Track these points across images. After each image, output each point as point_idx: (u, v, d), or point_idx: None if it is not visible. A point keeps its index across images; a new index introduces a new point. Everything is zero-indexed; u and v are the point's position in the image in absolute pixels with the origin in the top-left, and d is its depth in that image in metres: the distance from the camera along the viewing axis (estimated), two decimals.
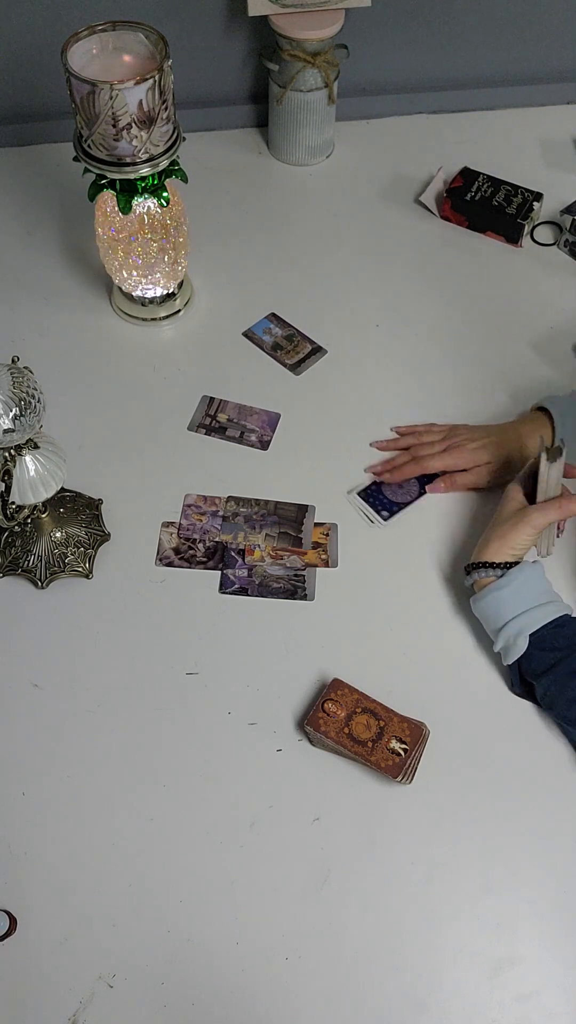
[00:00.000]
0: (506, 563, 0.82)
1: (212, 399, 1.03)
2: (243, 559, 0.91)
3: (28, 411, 0.71)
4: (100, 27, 0.87)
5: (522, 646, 0.78)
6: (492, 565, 0.82)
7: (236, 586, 0.90)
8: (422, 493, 0.95)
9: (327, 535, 0.93)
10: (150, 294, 1.07)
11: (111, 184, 0.93)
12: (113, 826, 0.77)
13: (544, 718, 0.82)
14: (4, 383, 0.69)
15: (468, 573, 0.84)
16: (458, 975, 0.71)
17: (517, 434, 0.94)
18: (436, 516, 0.94)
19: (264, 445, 1.00)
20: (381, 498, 0.94)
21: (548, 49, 1.33)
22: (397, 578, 0.90)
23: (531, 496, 0.84)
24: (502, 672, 0.84)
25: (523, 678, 0.81)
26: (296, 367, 1.07)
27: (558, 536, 0.89)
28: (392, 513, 0.93)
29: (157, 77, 0.83)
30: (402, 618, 0.88)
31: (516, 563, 0.82)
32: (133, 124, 0.85)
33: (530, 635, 0.78)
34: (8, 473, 0.76)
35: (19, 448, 0.75)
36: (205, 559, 0.91)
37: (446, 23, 1.28)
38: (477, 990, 0.70)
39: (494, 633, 0.81)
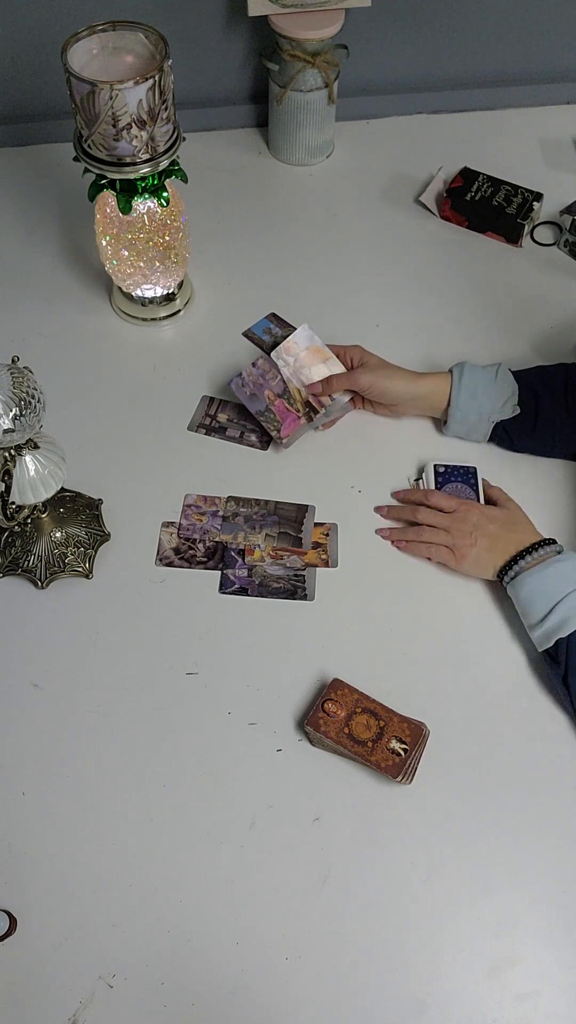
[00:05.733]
0: (543, 541, 0.85)
1: (212, 399, 1.03)
2: (243, 559, 0.91)
3: (28, 411, 0.71)
4: (100, 27, 0.87)
5: None
6: (545, 542, 0.85)
7: (236, 586, 0.90)
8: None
9: (327, 535, 0.93)
10: (150, 294, 1.07)
11: (111, 184, 0.93)
12: (113, 826, 0.77)
13: (544, 718, 0.82)
14: (4, 383, 0.69)
15: (525, 556, 0.84)
16: (458, 975, 0.71)
17: (421, 398, 0.95)
18: None
19: (264, 445, 1.00)
20: None
21: (548, 49, 1.33)
22: (397, 578, 0.90)
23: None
24: (502, 672, 0.84)
25: (568, 655, 0.79)
26: None
27: None
28: None
29: (157, 77, 0.83)
30: (402, 618, 0.88)
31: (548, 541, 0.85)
32: (133, 124, 0.85)
33: None
34: (8, 473, 0.76)
35: (19, 448, 0.75)
36: (205, 559, 0.91)
37: (446, 23, 1.28)
38: (477, 990, 0.70)
39: (550, 606, 0.80)
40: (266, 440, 1.00)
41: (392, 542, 0.92)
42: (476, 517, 0.88)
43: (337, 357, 0.97)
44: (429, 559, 0.90)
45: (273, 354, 0.97)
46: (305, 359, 0.97)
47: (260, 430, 1.01)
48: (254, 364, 0.97)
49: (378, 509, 0.94)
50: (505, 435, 0.96)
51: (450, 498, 0.91)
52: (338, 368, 0.97)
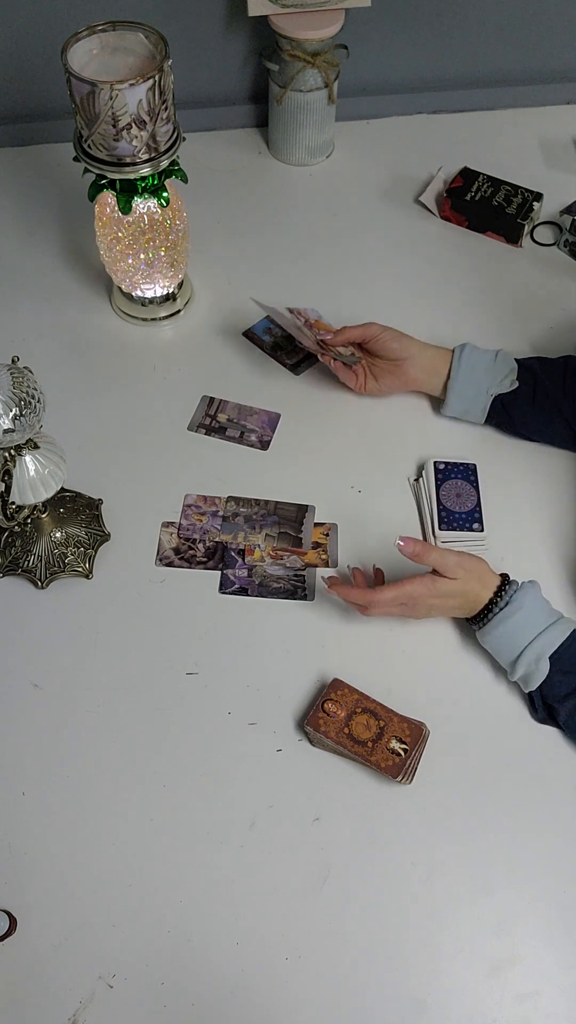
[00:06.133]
0: (500, 586, 0.80)
1: (212, 399, 1.03)
2: (243, 559, 0.91)
3: (28, 411, 0.71)
4: (100, 27, 0.87)
5: (544, 670, 0.78)
6: (495, 598, 0.79)
7: (236, 586, 0.90)
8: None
9: (327, 535, 0.93)
10: (150, 294, 1.07)
11: (111, 184, 0.93)
12: (113, 826, 0.77)
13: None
14: (4, 383, 0.69)
15: (479, 622, 0.81)
16: (458, 975, 0.71)
17: (426, 359, 0.97)
18: None
19: (264, 445, 1.00)
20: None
21: (548, 49, 1.33)
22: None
23: None
24: (502, 672, 0.84)
25: (544, 702, 0.80)
26: (296, 367, 1.07)
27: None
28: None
29: (157, 77, 0.83)
30: (402, 618, 0.87)
31: (508, 582, 0.80)
32: (133, 124, 0.85)
33: (550, 657, 0.78)
34: (8, 473, 0.76)
35: (19, 448, 0.75)
36: (205, 559, 0.91)
37: (446, 23, 1.28)
38: (477, 990, 0.70)
39: (511, 663, 0.80)
40: (266, 440, 1.00)
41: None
42: (427, 604, 0.80)
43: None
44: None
45: (288, 309, 0.98)
46: (315, 324, 1.00)
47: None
48: (290, 310, 0.98)
49: (326, 580, 0.86)
50: (504, 413, 0.96)
51: (396, 594, 0.79)
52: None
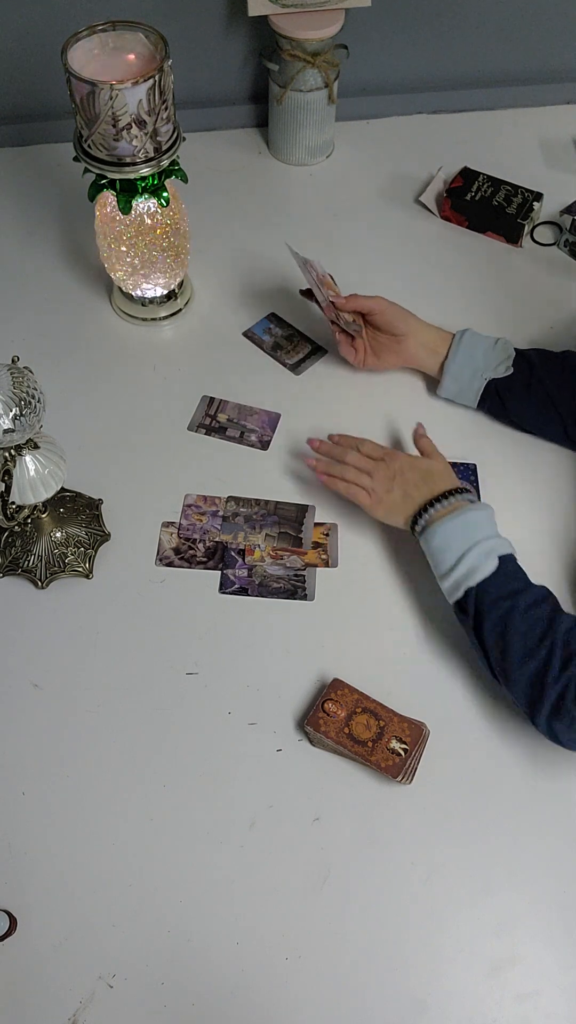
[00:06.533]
0: (457, 488, 0.85)
1: (212, 399, 1.03)
2: (243, 559, 0.91)
3: (28, 411, 0.71)
4: (100, 27, 0.87)
5: (492, 566, 0.78)
6: (458, 490, 0.85)
7: (236, 586, 0.90)
8: None
9: (327, 535, 0.93)
10: (150, 294, 1.07)
11: (111, 184, 0.93)
12: (113, 826, 0.77)
13: None
14: (4, 383, 0.69)
15: (438, 503, 0.84)
16: (458, 975, 0.71)
17: (427, 337, 0.99)
18: None
19: (264, 445, 1.00)
20: None
21: (548, 49, 1.33)
22: (397, 578, 0.90)
23: None
24: None
25: (476, 606, 0.79)
26: (296, 367, 1.07)
27: None
28: None
29: (157, 77, 0.83)
30: (402, 618, 0.88)
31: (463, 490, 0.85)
32: (133, 124, 0.85)
33: (500, 557, 0.79)
34: (8, 473, 0.76)
35: (19, 448, 0.75)
36: (205, 559, 0.91)
37: (446, 23, 1.28)
38: (477, 990, 0.70)
39: (460, 554, 0.80)
40: (266, 440, 1.00)
41: (317, 473, 0.91)
42: (400, 464, 0.88)
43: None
44: (347, 499, 0.90)
45: (304, 260, 0.98)
46: (324, 281, 1.00)
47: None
48: (306, 261, 0.99)
49: (311, 441, 0.94)
50: (497, 398, 0.97)
51: (381, 447, 0.91)
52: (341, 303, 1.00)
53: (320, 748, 0.80)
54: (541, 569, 0.90)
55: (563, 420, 0.96)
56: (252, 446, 1.00)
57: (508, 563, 0.80)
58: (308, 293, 1.02)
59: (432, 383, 1.03)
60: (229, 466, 0.98)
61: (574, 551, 0.91)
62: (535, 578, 0.84)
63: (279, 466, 0.98)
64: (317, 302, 1.01)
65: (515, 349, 0.97)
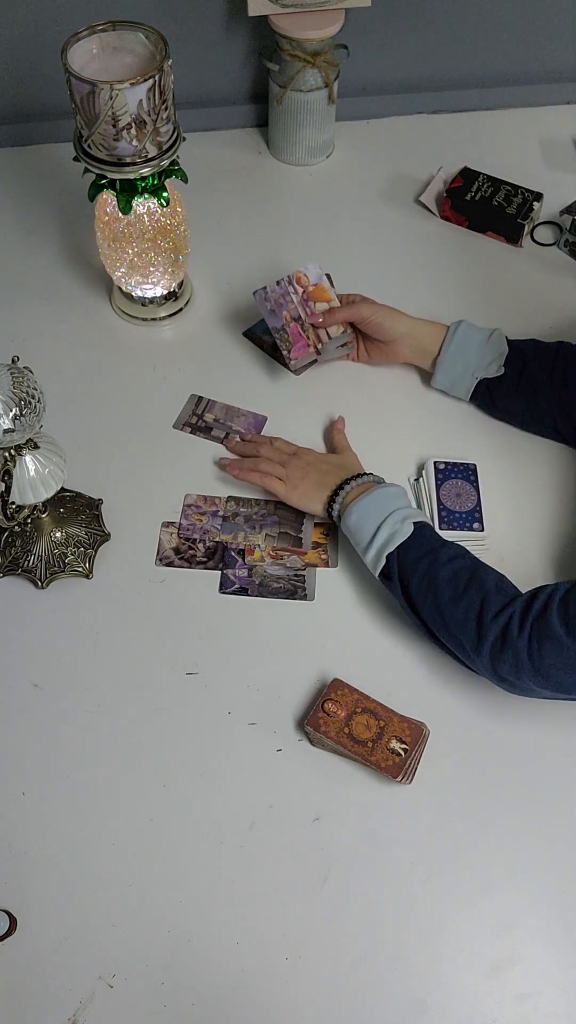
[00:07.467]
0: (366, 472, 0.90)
1: (200, 398, 1.03)
2: (243, 559, 0.91)
3: (28, 411, 0.71)
4: (100, 27, 0.87)
5: (408, 530, 0.82)
6: (364, 475, 0.89)
7: (236, 586, 0.90)
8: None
9: (327, 535, 0.93)
10: (150, 294, 1.07)
11: (111, 184, 0.93)
12: (113, 826, 0.77)
13: (545, 718, 0.82)
14: (4, 383, 0.69)
15: (348, 484, 0.88)
16: (458, 975, 0.71)
17: (417, 339, 1.00)
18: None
19: None
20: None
21: (548, 49, 1.33)
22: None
23: None
24: None
25: (399, 569, 0.81)
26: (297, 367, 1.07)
27: None
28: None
29: (157, 77, 0.83)
30: (402, 618, 0.87)
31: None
32: (133, 124, 0.85)
33: (414, 522, 0.82)
34: (8, 473, 0.76)
35: (19, 448, 0.75)
36: (205, 559, 0.91)
37: (446, 23, 1.28)
38: (477, 990, 0.70)
39: (376, 526, 0.83)
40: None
41: (229, 470, 0.95)
42: (312, 457, 0.94)
43: (340, 301, 1.01)
44: (264, 488, 0.93)
45: (285, 282, 0.99)
46: (312, 293, 1.00)
47: (272, 352, 1.06)
48: (278, 282, 0.99)
49: (225, 441, 0.99)
50: (487, 395, 0.98)
51: (293, 444, 0.96)
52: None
53: (320, 748, 0.80)
54: (542, 569, 0.90)
55: (552, 416, 0.96)
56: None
57: (425, 528, 0.83)
58: (274, 349, 1.04)
59: (427, 379, 1.03)
60: (218, 467, 0.98)
61: (574, 550, 0.91)
62: (530, 574, 0.84)
63: None
64: (285, 359, 1.01)
65: (509, 341, 0.97)
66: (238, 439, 0.99)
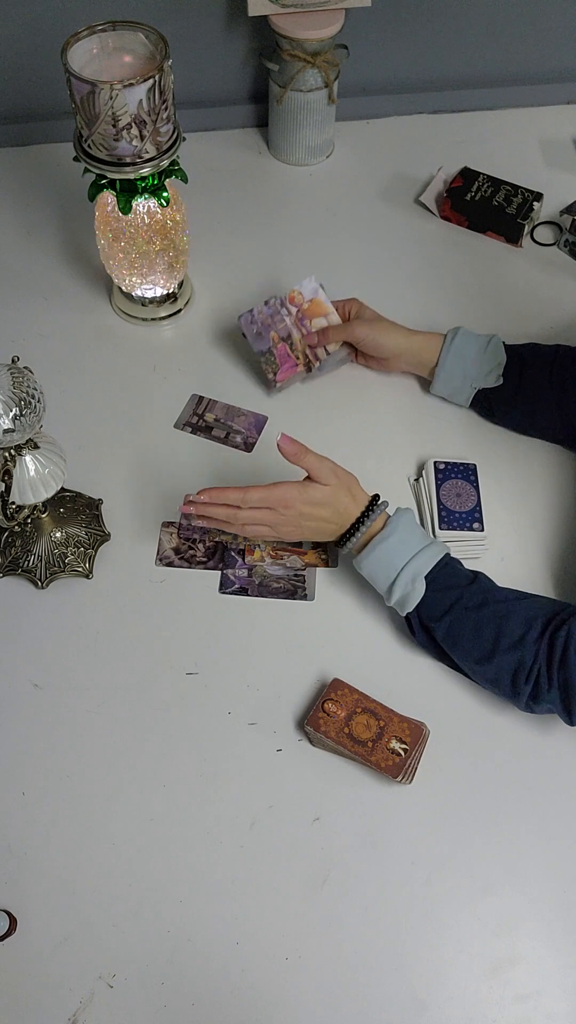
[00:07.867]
0: (370, 503, 0.82)
1: (201, 398, 1.03)
2: (243, 559, 0.91)
3: (28, 411, 0.71)
4: (100, 27, 0.87)
5: (420, 590, 0.79)
6: (365, 514, 0.81)
7: (236, 586, 0.90)
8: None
9: None
10: (150, 294, 1.07)
11: (111, 184, 0.93)
12: (113, 826, 0.77)
13: (545, 718, 0.82)
14: (4, 383, 0.69)
15: (347, 540, 0.82)
16: (458, 975, 0.71)
17: (413, 354, 0.98)
18: None
19: (248, 447, 1.00)
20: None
21: (548, 49, 1.33)
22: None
23: None
24: None
25: (421, 623, 0.81)
26: None
27: None
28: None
29: (157, 77, 0.83)
30: (402, 618, 0.87)
31: (376, 501, 0.82)
32: (133, 124, 0.85)
33: (425, 577, 0.79)
34: (8, 473, 0.76)
35: (19, 448, 0.75)
36: (205, 559, 0.91)
37: (446, 23, 1.28)
38: (477, 990, 0.70)
39: (387, 587, 0.81)
40: (251, 442, 1.00)
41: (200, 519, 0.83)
42: (297, 511, 0.80)
43: (336, 309, 1.01)
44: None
45: (276, 302, 0.99)
46: (307, 311, 0.99)
47: (259, 373, 1.04)
48: (266, 303, 0.99)
49: (184, 507, 0.82)
50: (485, 403, 0.98)
51: (265, 494, 0.79)
52: (337, 322, 1.00)
53: (320, 748, 0.80)
54: (542, 569, 0.90)
55: (550, 422, 0.96)
56: (236, 447, 1.00)
57: (437, 579, 0.79)
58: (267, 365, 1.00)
59: (427, 382, 1.03)
60: (229, 467, 0.98)
61: (574, 550, 0.91)
62: (530, 574, 0.84)
63: (279, 466, 0.98)
64: (269, 381, 1.00)
65: (507, 347, 0.97)
66: (204, 498, 0.81)
